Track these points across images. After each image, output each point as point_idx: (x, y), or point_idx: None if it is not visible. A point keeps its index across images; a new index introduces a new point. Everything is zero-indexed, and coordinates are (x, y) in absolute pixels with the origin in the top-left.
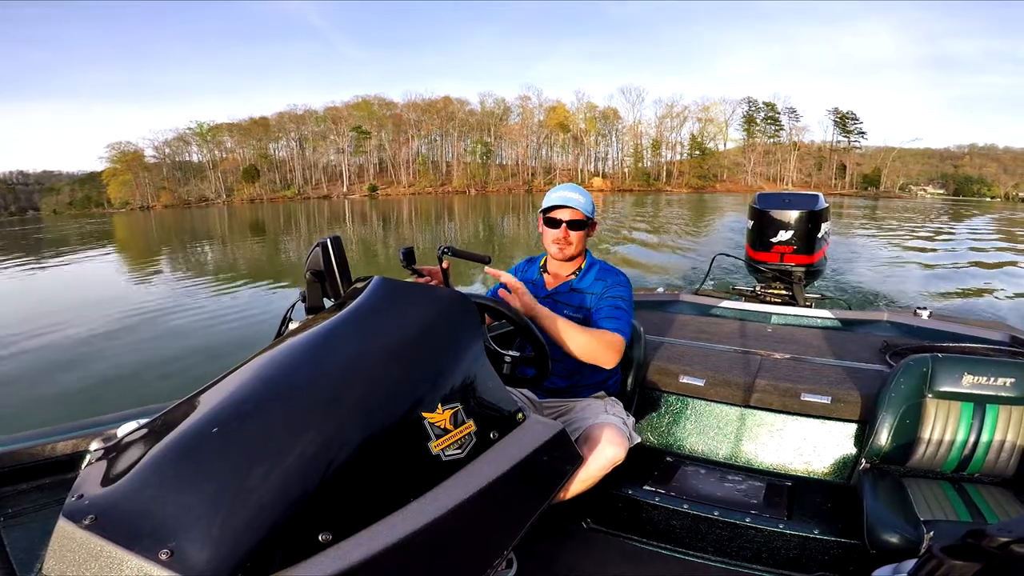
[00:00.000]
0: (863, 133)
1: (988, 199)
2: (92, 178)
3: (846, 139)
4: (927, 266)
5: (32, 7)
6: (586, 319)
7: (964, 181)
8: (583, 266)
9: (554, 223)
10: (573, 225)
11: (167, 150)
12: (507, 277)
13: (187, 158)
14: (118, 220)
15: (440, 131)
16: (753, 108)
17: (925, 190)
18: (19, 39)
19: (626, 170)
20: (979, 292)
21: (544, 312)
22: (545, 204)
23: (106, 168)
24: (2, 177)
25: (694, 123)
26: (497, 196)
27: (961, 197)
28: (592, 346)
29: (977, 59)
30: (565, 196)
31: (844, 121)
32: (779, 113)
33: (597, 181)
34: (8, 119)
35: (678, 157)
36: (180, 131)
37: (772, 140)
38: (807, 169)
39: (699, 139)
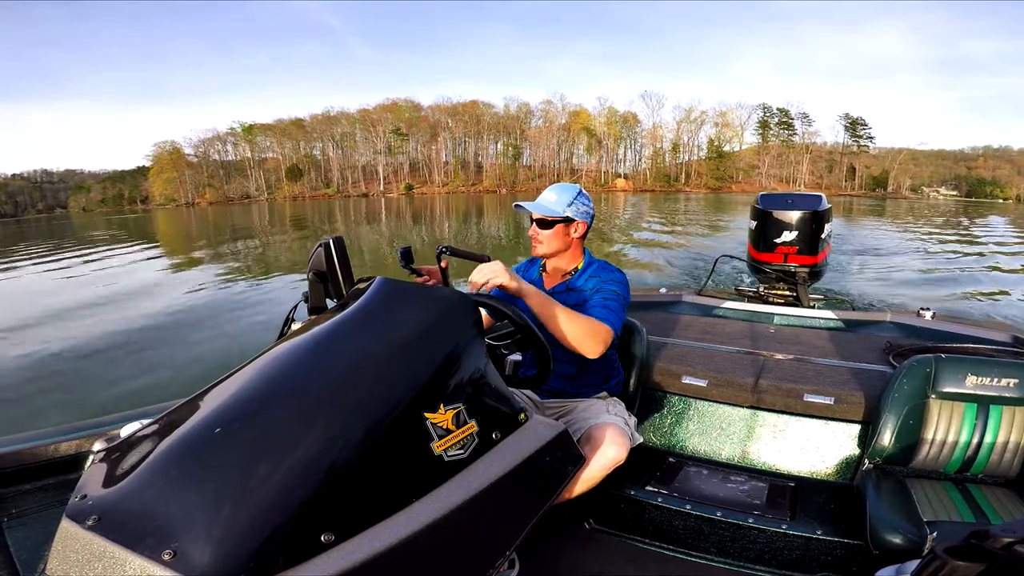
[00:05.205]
0: (872, 137)
1: (1000, 201)
2: (123, 176)
3: (856, 142)
4: (926, 270)
5: (46, 7)
6: None
7: (976, 183)
8: (580, 266)
9: (531, 221)
10: (541, 224)
11: (201, 148)
12: (475, 276)
13: (223, 157)
14: (168, 216)
15: (465, 133)
16: (768, 114)
17: (938, 192)
18: (35, 40)
19: (647, 171)
20: (984, 293)
21: (531, 290)
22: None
23: (152, 164)
24: (27, 175)
25: (711, 127)
26: (525, 195)
27: (973, 199)
28: (578, 331)
29: (990, 60)
30: (540, 196)
31: (855, 126)
32: (792, 119)
33: (620, 182)
34: (27, 118)
35: (695, 158)
36: (217, 131)
37: (784, 143)
38: (819, 171)
39: (716, 143)
